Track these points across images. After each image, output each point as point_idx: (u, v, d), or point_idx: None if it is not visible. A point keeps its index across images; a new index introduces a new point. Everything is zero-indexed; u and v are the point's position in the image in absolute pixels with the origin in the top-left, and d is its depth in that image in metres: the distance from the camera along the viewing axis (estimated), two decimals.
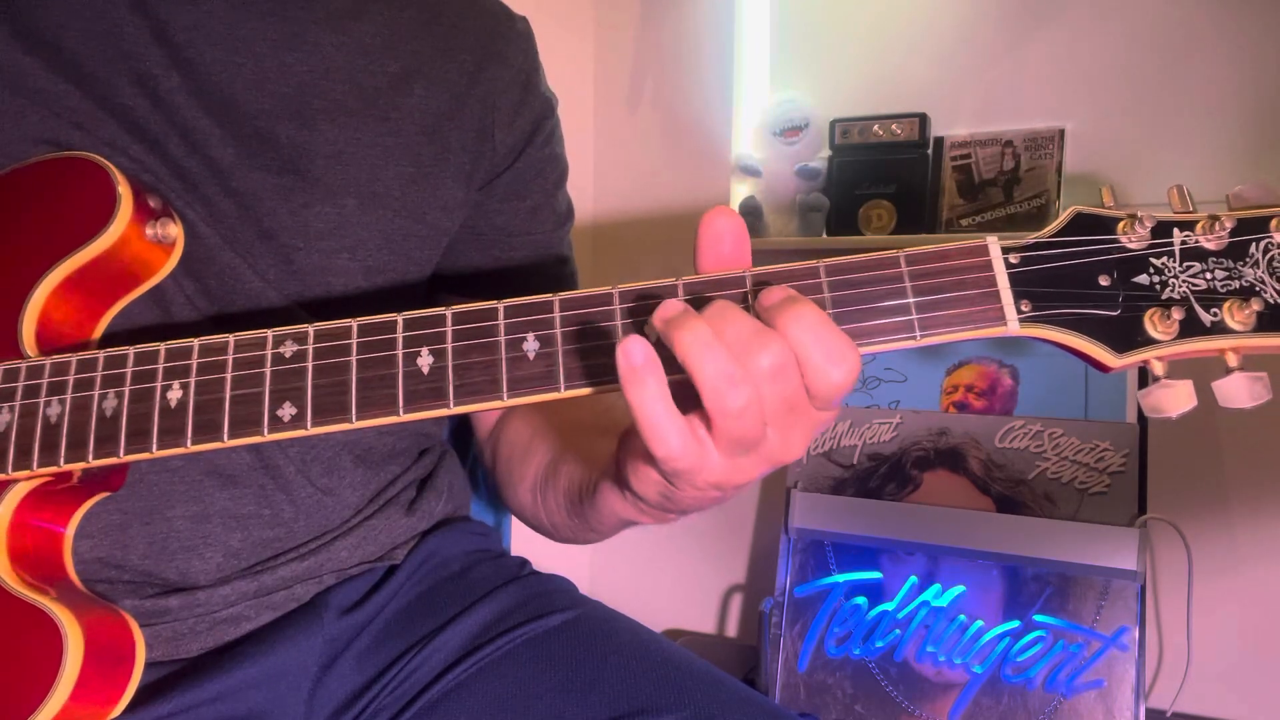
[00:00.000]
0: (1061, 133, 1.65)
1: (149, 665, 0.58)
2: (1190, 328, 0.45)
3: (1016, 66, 1.70)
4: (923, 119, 1.72)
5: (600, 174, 2.05)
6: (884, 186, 1.74)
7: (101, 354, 0.54)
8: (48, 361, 0.55)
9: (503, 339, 0.49)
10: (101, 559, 0.61)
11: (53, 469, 0.54)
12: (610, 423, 0.64)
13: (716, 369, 0.41)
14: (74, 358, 0.55)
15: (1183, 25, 1.58)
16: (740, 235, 0.48)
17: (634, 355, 0.42)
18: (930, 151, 1.74)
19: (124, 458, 0.53)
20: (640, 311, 0.48)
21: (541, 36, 0.81)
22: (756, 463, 0.45)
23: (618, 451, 0.52)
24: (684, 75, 1.96)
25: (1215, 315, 0.45)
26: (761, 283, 0.47)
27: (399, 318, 0.51)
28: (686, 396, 0.43)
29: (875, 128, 1.75)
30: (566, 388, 0.48)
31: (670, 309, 0.44)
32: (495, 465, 0.78)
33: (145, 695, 0.59)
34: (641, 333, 0.47)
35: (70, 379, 0.54)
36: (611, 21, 2.03)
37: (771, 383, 0.42)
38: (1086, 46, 1.65)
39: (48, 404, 0.54)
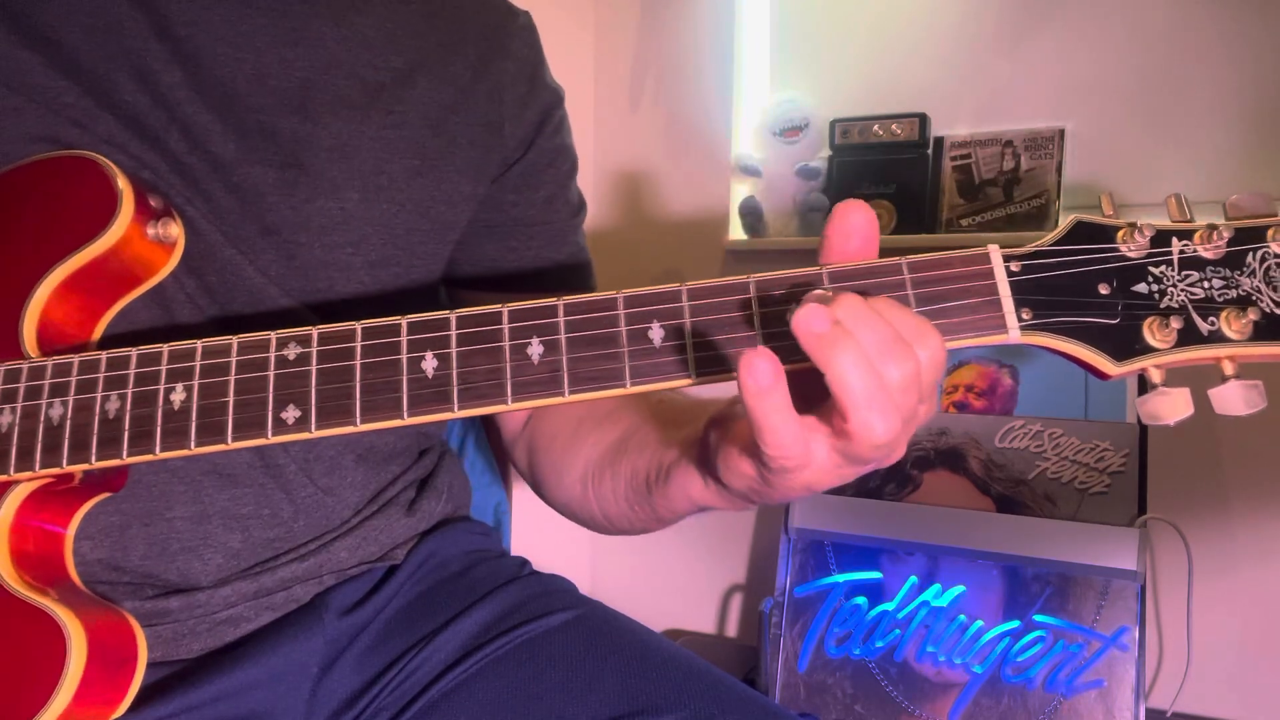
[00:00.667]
0: (1061, 133, 1.65)
1: (149, 666, 0.58)
2: (1188, 336, 0.45)
3: (1016, 66, 1.70)
4: (923, 119, 1.72)
5: (600, 174, 2.04)
6: (884, 186, 1.74)
7: (104, 355, 0.54)
8: (49, 362, 0.55)
9: (507, 343, 0.49)
10: (101, 560, 0.61)
11: (55, 470, 0.54)
12: (666, 412, 0.64)
13: (868, 396, 0.41)
14: (76, 359, 0.55)
15: (1183, 26, 1.58)
16: (871, 234, 0.47)
17: (761, 375, 0.41)
18: (930, 151, 1.74)
19: (127, 459, 0.53)
20: (642, 318, 0.48)
21: (542, 36, 0.81)
22: (859, 469, 0.46)
23: (704, 439, 0.52)
24: (684, 75, 1.96)
25: (1213, 324, 0.45)
26: (763, 290, 0.47)
27: (403, 320, 0.51)
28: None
29: (875, 128, 1.74)
30: (571, 392, 0.48)
31: (818, 321, 0.41)
32: (533, 459, 0.76)
33: (145, 696, 0.59)
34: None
35: (73, 380, 0.54)
36: (611, 21, 2.03)
37: (904, 395, 0.43)
38: (1086, 46, 1.65)
39: (50, 405, 0.54)
